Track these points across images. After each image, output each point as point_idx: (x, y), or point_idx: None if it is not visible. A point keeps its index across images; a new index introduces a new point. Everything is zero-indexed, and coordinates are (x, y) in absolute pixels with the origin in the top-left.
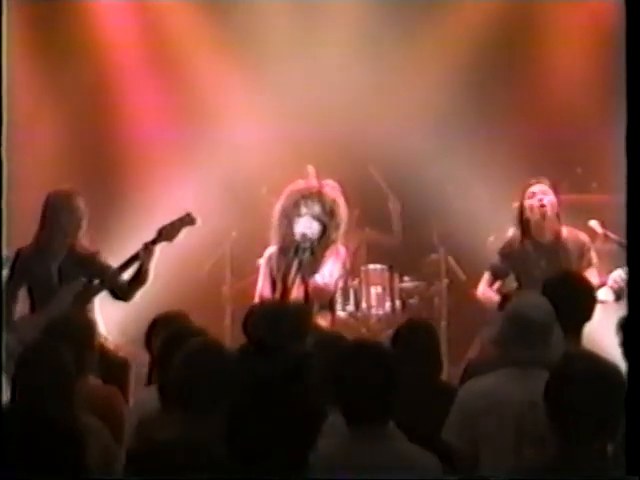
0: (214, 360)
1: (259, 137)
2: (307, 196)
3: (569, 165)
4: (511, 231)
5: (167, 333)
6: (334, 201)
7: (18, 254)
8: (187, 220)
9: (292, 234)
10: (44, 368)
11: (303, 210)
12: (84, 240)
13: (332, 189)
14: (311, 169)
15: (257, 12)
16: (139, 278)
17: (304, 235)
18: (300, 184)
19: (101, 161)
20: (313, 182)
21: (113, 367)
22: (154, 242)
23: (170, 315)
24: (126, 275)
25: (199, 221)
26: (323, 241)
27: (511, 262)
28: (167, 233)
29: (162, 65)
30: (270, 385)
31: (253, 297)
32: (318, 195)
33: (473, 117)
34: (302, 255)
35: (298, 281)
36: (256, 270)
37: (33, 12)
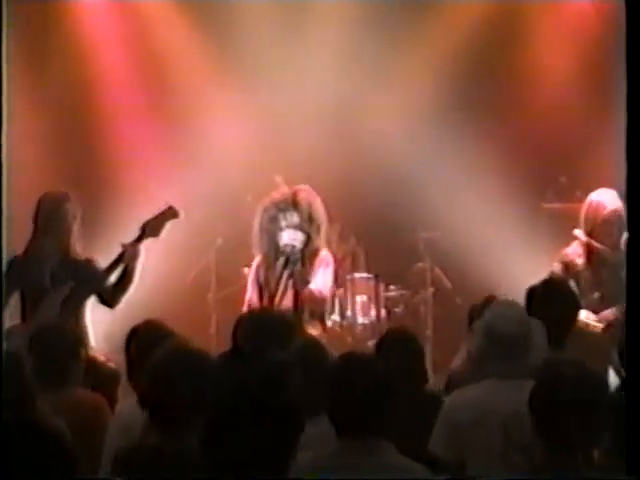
0: (187, 365)
1: (244, 145)
2: (283, 208)
3: (553, 174)
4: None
5: (140, 341)
6: (310, 205)
7: (13, 261)
8: (169, 214)
9: (277, 245)
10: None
11: (283, 223)
12: (77, 246)
13: (306, 193)
14: (279, 179)
15: (245, 15)
16: (125, 280)
17: (292, 247)
18: (274, 195)
19: (86, 165)
20: (285, 191)
21: (103, 377)
22: (139, 240)
23: (148, 323)
24: (113, 278)
25: (184, 226)
26: (309, 247)
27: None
28: (151, 229)
29: (150, 70)
30: (247, 392)
31: (238, 305)
32: (293, 204)
33: (458, 125)
34: (293, 266)
35: (288, 290)
36: (241, 278)
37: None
